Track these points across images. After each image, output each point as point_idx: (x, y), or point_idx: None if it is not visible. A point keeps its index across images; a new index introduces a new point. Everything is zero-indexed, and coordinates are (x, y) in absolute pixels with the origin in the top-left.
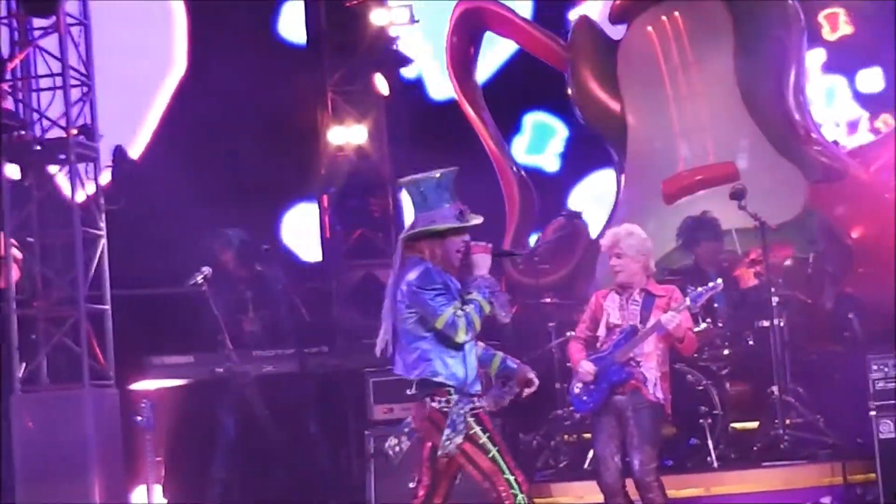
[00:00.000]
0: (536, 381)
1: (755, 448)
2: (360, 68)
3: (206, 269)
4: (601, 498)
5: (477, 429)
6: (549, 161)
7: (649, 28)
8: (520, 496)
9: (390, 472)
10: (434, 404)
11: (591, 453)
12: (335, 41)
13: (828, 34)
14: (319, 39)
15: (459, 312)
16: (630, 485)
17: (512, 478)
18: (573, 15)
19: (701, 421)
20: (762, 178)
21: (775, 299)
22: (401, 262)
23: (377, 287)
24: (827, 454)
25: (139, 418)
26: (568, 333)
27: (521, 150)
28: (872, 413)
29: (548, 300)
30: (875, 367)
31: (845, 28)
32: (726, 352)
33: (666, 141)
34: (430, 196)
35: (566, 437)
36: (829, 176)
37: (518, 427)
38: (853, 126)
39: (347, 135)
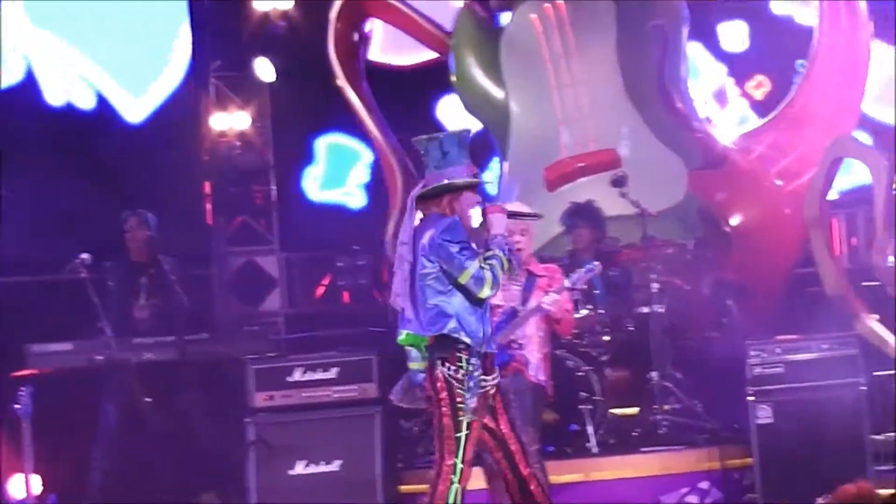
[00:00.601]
0: None
1: (634, 434)
2: (243, 54)
3: (85, 256)
4: (483, 483)
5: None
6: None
7: (532, 16)
8: (456, 485)
9: (270, 461)
10: (444, 369)
11: None
12: (217, 27)
13: None
14: (202, 25)
15: (485, 265)
16: None
17: (461, 466)
18: None
19: (581, 407)
20: (643, 165)
21: (655, 285)
22: (423, 218)
23: (258, 274)
24: (705, 440)
25: (17, 406)
26: None
27: (316, 184)
28: (750, 399)
29: None
30: (753, 354)
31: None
32: (606, 338)
33: (548, 128)
34: (452, 153)
35: None
36: (709, 163)
37: (399, 414)
38: (721, 96)
39: (230, 121)
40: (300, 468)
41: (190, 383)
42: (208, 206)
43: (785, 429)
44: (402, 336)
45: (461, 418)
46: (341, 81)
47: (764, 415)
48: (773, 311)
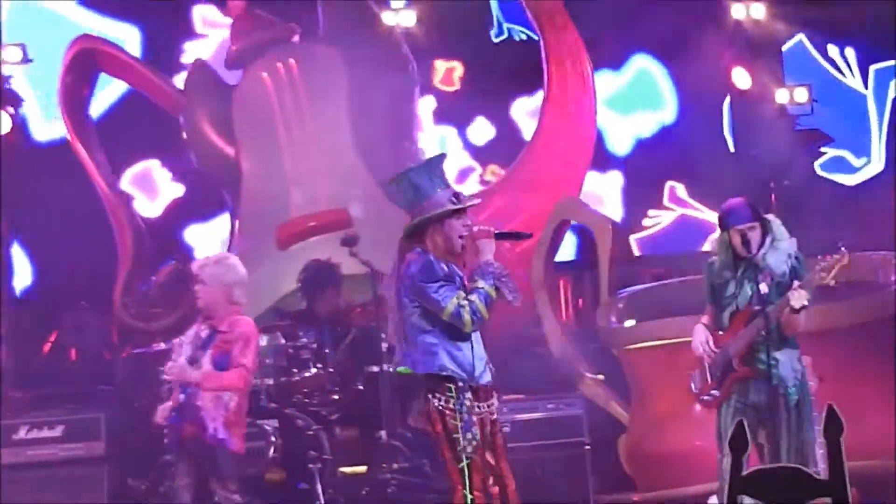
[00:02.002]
0: None
1: (364, 492)
2: None
3: None
4: None
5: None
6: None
7: (264, 74)
8: (468, 495)
9: None
10: (434, 401)
11: None
12: None
13: (440, 84)
14: None
15: (463, 302)
16: None
17: (470, 497)
18: (187, 55)
19: (310, 466)
20: (374, 225)
21: (385, 345)
22: (399, 258)
23: None
24: (433, 499)
25: None
26: None
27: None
28: None
29: (162, 346)
30: None
31: (457, 80)
32: (336, 397)
33: (279, 187)
34: (423, 184)
35: (175, 482)
36: None
37: (127, 472)
38: (464, 174)
39: None
40: None
41: None
42: None
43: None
44: (401, 368)
45: (460, 449)
46: (70, 137)
47: None
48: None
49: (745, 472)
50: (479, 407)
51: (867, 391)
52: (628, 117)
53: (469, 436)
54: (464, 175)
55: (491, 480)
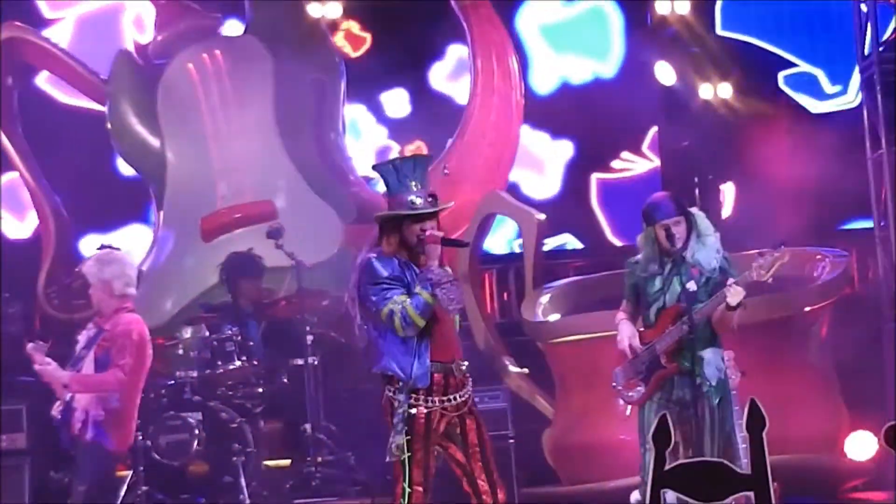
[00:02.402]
0: None
1: (288, 485)
2: None
3: None
4: None
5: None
6: None
7: (190, 65)
8: (408, 489)
9: None
10: (389, 394)
11: (122, 491)
12: None
13: (350, 52)
14: None
15: (396, 308)
16: None
17: (408, 490)
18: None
19: (234, 458)
20: (299, 217)
21: (310, 337)
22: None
23: None
24: (357, 491)
25: None
26: None
27: None
28: None
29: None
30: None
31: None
32: (260, 389)
33: (205, 179)
34: (391, 182)
35: None
36: (364, 217)
37: (48, 464)
38: (382, 155)
39: None
40: None
41: None
42: None
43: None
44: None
45: (402, 442)
46: None
47: None
48: None
49: (668, 467)
50: (432, 402)
51: (787, 385)
52: (561, 56)
53: (395, 437)
54: (381, 155)
55: (463, 476)
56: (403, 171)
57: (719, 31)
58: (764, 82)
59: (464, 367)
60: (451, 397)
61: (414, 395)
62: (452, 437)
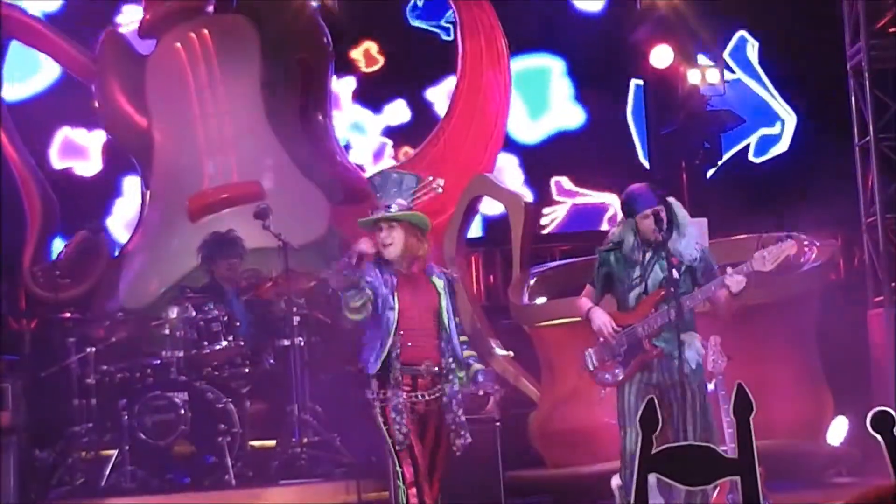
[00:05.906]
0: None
1: (273, 466)
2: None
3: None
4: None
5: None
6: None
7: (177, 44)
8: (402, 487)
9: None
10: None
11: (107, 470)
12: None
13: (362, 66)
14: None
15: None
16: None
17: (401, 470)
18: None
19: (220, 439)
20: (286, 198)
21: (296, 318)
22: None
23: None
24: (342, 472)
25: None
26: (88, 349)
27: None
28: None
29: (67, 315)
30: None
31: (377, 61)
32: (246, 370)
33: (192, 158)
34: (376, 191)
35: (83, 454)
36: (351, 198)
37: (34, 443)
38: (378, 155)
39: None
40: None
41: None
42: None
43: None
44: None
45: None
46: None
47: None
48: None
49: (654, 451)
50: (397, 395)
51: (772, 370)
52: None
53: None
54: (378, 155)
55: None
56: (384, 182)
57: None
58: None
59: (434, 370)
60: (419, 395)
61: (382, 392)
62: (420, 433)
